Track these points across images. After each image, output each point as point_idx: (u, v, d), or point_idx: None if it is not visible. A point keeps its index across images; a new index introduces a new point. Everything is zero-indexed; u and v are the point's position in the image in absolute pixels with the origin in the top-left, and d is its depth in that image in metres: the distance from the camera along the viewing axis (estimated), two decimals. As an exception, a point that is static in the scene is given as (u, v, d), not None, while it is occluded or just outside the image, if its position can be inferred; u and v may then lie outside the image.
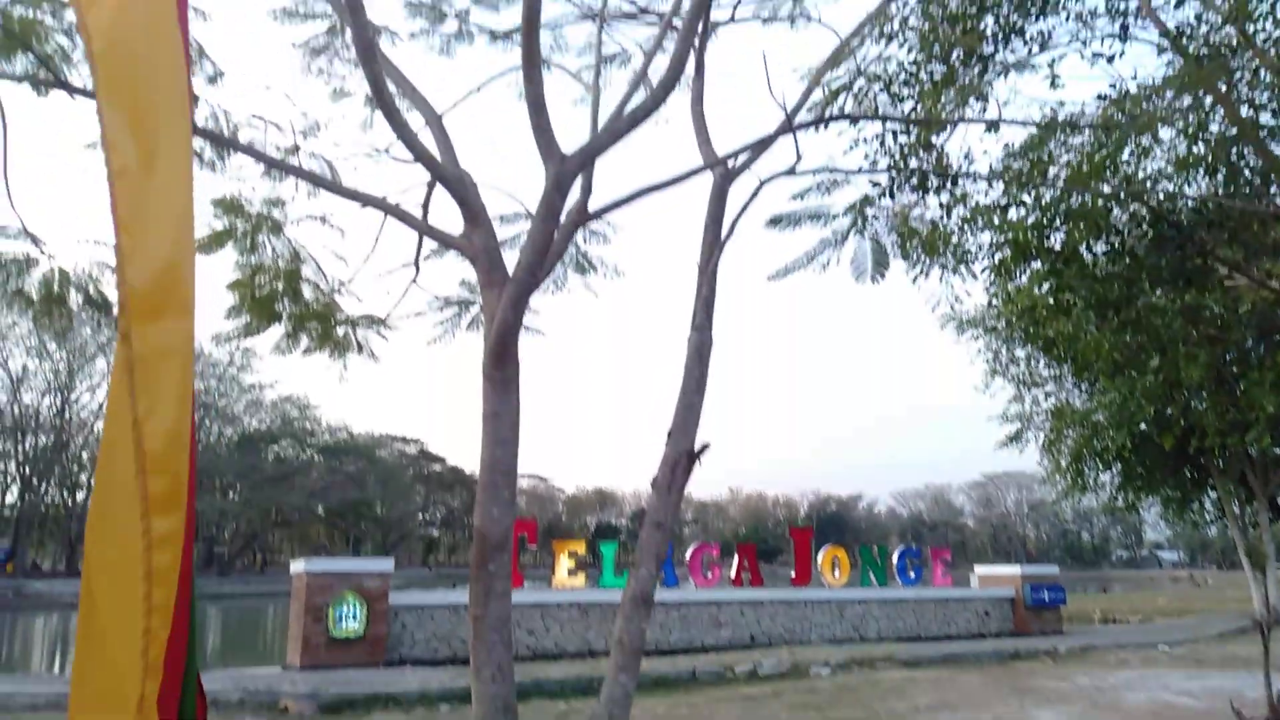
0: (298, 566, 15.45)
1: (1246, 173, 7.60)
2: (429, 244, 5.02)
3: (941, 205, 7.70)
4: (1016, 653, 17.23)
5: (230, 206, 5.57)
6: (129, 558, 1.71)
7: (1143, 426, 22.79)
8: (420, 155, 3.65)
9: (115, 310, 1.78)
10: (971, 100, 6.94)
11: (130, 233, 1.79)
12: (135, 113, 1.84)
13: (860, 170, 4.49)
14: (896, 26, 7.78)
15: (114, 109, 1.82)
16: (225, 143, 4.60)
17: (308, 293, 5.70)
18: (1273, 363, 14.68)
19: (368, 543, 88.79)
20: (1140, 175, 7.97)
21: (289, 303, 5.60)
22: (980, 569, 24.48)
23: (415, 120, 5.11)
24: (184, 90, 1.92)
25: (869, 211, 4.59)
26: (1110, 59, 7.93)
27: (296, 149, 5.54)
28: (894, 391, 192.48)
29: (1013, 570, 23.42)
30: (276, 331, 5.69)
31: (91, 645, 1.75)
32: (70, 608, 45.19)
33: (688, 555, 20.61)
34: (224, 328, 5.86)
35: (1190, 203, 7.43)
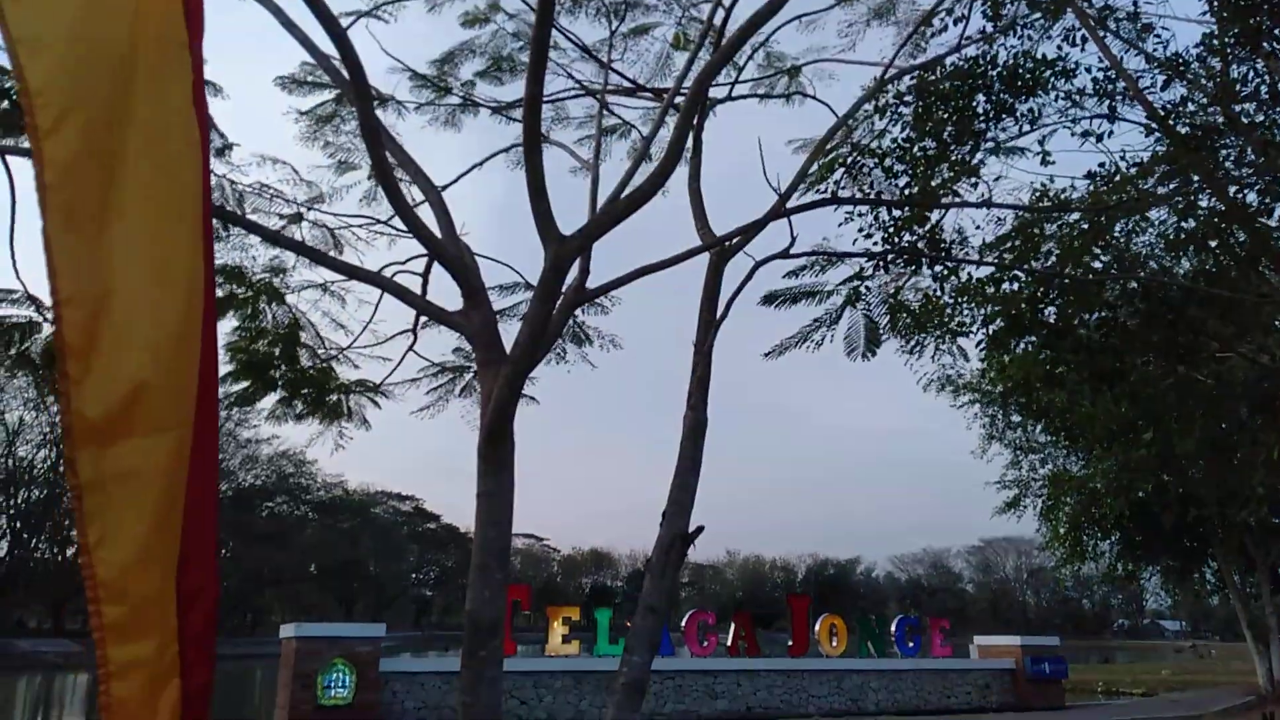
0: (287, 631, 15.21)
1: (1237, 249, 7.71)
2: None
3: (935, 278, 7.79)
4: (1018, 728, 16.88)
5: (232, 274, 5.63)
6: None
7: (1141, 495, 22.67)
8: (420, 234, 3.71)
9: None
10: (964, 178, 7.09)
11: (81, 360, 1.70)
12: (109, 236, 1.76)
13: (853, 254, 4.57)
14: (891, 99, 7.97)
15: (67, 236, 1.73)
16: (227, 216, 4.68)
17: (304, 359, 5.73)
18: (1266, 440, 14.67)
19: (360, 603, 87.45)
20: (1131, 250, 8.09)
21: (285, 368, 5.63)
22: (980, 639, 24.14)
23: (417, 194, 5.21)
24: (194, 195, 1.90)
25: (862, 288, 4.64)
26: (1099, 138, 8.11)
27: (300, 218, 5.63)
28: (893, 454, 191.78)
29: (1013, 640, 23.10)
30: (272, 399, 5.71)
31: None
32: (55, 668, 44.28)
33: (684, 623, 20.31)
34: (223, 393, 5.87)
35: (1180, 280, 7.53)
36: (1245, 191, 7.29)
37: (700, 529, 3.34)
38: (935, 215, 7.82)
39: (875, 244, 7.42)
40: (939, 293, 8.44)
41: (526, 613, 23.28)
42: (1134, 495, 22.76)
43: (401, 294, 3.87)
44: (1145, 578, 30.79)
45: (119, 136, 1.83)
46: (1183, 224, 8.13)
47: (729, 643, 19.90)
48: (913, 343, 5.92)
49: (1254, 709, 21.07)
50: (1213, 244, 7.73)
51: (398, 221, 4.76)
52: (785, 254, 3.83)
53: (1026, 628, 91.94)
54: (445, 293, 4.31)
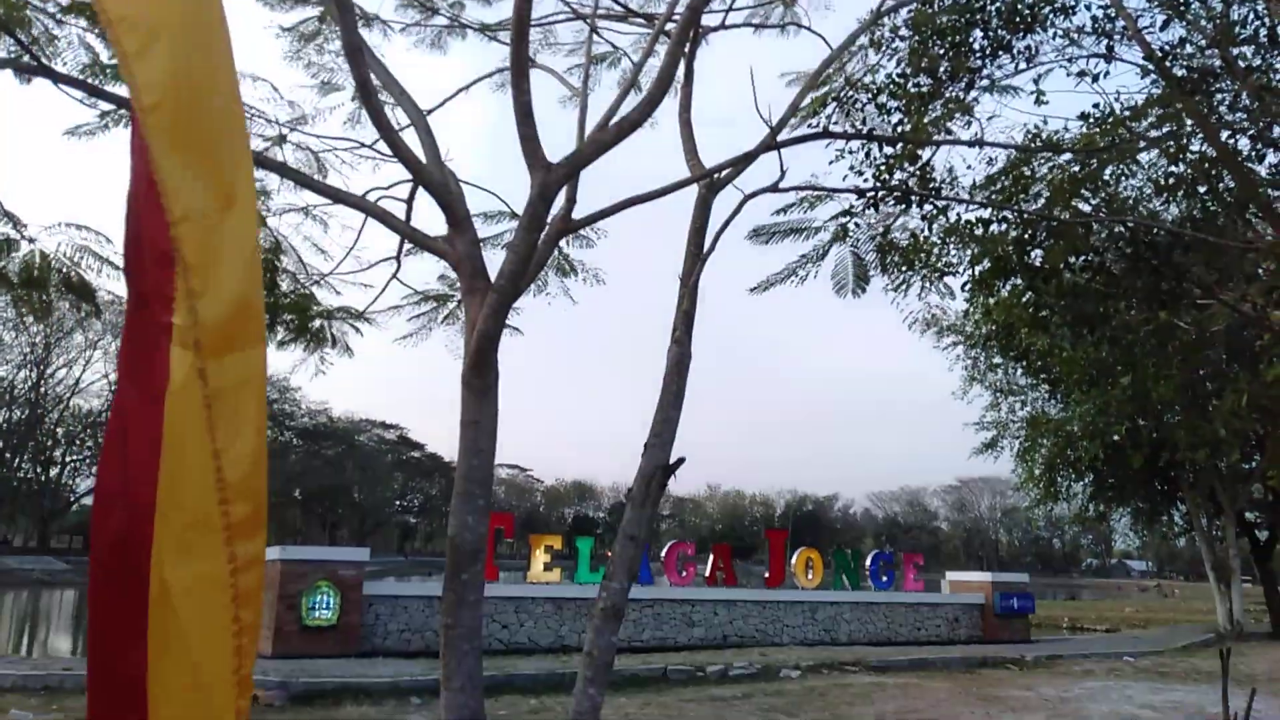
0: (272, 553, 15.39)
1: (1226, 196, 7.71)
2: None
3: (924, 218, 7.77)
4: (984, 660, 17.40)
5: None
6: (215, 583, 1.78)
7: (1115, 439, 23.07)
8: (405, 159, 3.65)
9: (186, 339, 1.78)
10: (957, 116, 7.01)
11: (201, 274, 1.81)
12: (202, 157, 1.85)
13: (843, 190, 4.52)
14: (887, 34, 7.83)
15: (173, 157, 1.82)
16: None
17: (285, 284, 5.66)
18: (1241, 385, 14.90)
19: (344, 529, 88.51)
20: (1120, 195, 8.07)
21: (266, 294, 5.57)
22: (952, 575, 24.74)
23: (402, 117, 5.10)
24: (244, 126, 1.96)
25: (850, 225, 4.62)
26: (1095, 78, 8.02)
27: (283, 139, 5.51)
28: (873, 392, 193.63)
29: (984, 577, 23.68)
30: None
31: (179, 669, 1.80)
32: (41, 584, 44.76)
33: (663, 553, 20.69)
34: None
35: (1167, 225, 7.54)
36: (1237, 137, 7.26)
37: (681, 460, 3.38)
38: (926, 154, 7.76)
39: (865, 181, 7.37)
40: (927, 232, 8.43)
41: (509, 540, 23.60)
42: (1109, 439, 23.15)
43: (385, 219, 3.82)
44: (1115, 519, 31.52)
45: (201, 59, 1.89)
46: (1173, 169, 8.11)
47: (707, 573, 20.30)
48: (899, 281, 5.91)
49: (1212, 646, 21.81)
50: (1201, 190, 7.72)
51: (382, 146, 4.68)
52: (774, 188, 3.80)
53: (998, 565, 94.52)
54: (429, 221, 4.26)
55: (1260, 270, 7.21)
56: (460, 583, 3.04)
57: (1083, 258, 8.09)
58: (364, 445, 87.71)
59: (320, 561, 15.10)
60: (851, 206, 4.95)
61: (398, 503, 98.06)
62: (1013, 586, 23.53)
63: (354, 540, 78.35)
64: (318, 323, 5.71)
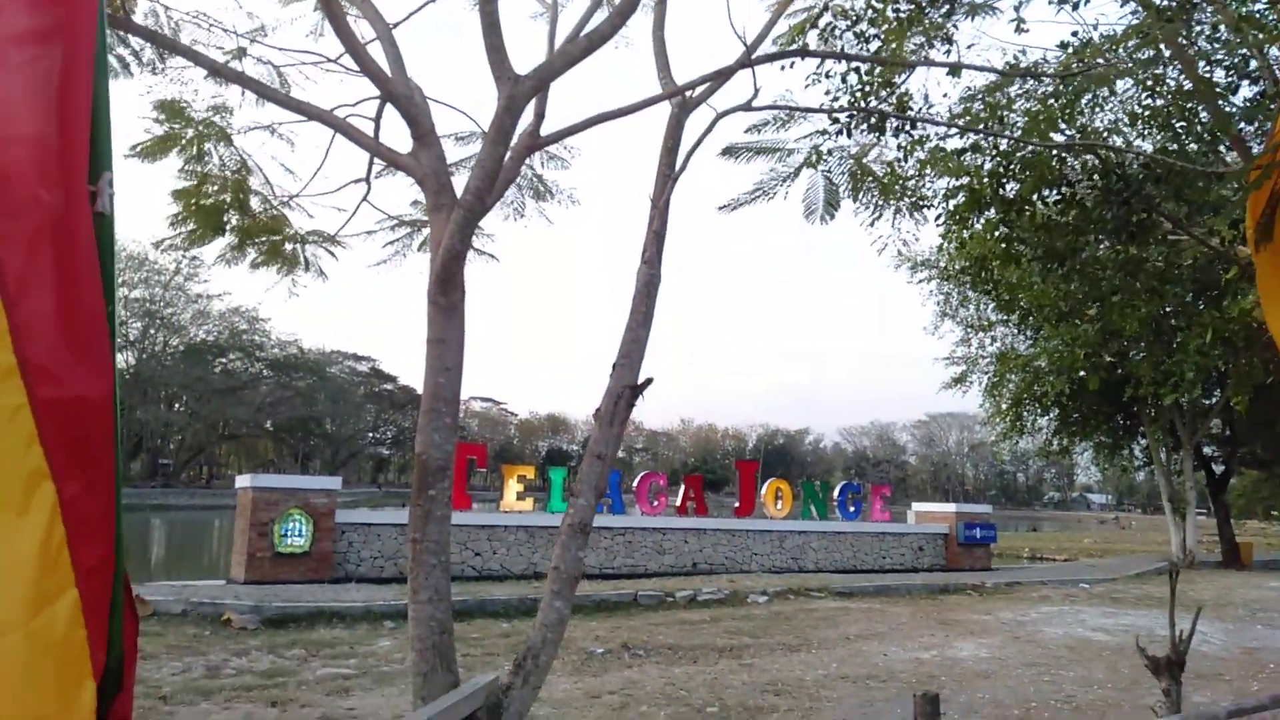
0: (243, 481, 15.39)
1: (1198, 128, 7.72)
2: (381, 161, 4.90)
3: (900, 147, 7.72)
4: (946, 587, 17.91)
5: (173, 111, 5.36)
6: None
7: (1082, 374, 23.48)
8: (369, 70, 3.53)
9: None
10: (936, 42, 6.90)
11: None
12: None
13: (819, 109, 4.44)
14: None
15: None
16: (165, 43, 4.40)
17: (255, 205, 5.54)
18: (1206, 321, 15.16)
19: (316, 460, 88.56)
20: (1095, 126, 8.05)
21: (236, 214, 5.45)
22: (917, 506, 25.27)
23: (367, 30, 4.93)
24: None
25: (824, 149, 4.56)
26: (1075, 4, 7.91)
27: (242, 53, 5.32)
28: (846, 329, 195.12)
29: (948, 508, 24.22)
30: (222, 242, 5.55)
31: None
32: None
33: (635, 483, 20.92)
34: (169, 235, 5.70)
35: (1140, 157, 7.54)
36: (1213, 69, 7.23)
37: (649, 381, 3.38)
38: (903, 83, 7.66)
39: (840, 110, 7.28)
40: (903, 163, 8.38)
41: (482, 470, 23.70)
42: (1075, 374, 23.56)
43: (351, 133, 3.72)
44: (1078, 453, 32.28)
45: None
46: (1148, 102, 8.08)
47: (678, 503, 20.59)
48: (874, 215, 5.89)
49: (1164, 574, 22.58)
50: (1176, 124, 7.71)
51: (347, 61, 4.53)
52: (748, 106, 3.73)
53: (964, 498, 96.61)
54: (397, 143, 4.13)
55: (1230, 195, 7.24)
56: (428, 498, 3.05)
57: (1056, 190, 8.10)
58: (336, 377, 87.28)
59: (292, 489, 15.12)
60: (825, 131, 4.88)
61: (370, 435, 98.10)
62: (975, 517, 24.11)
63: (327, 471, 78.54)
64: (290, 246, 5.59)
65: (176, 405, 73.22)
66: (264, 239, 5.49)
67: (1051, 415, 27.65)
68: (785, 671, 9.48)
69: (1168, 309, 13.79)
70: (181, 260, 65.32)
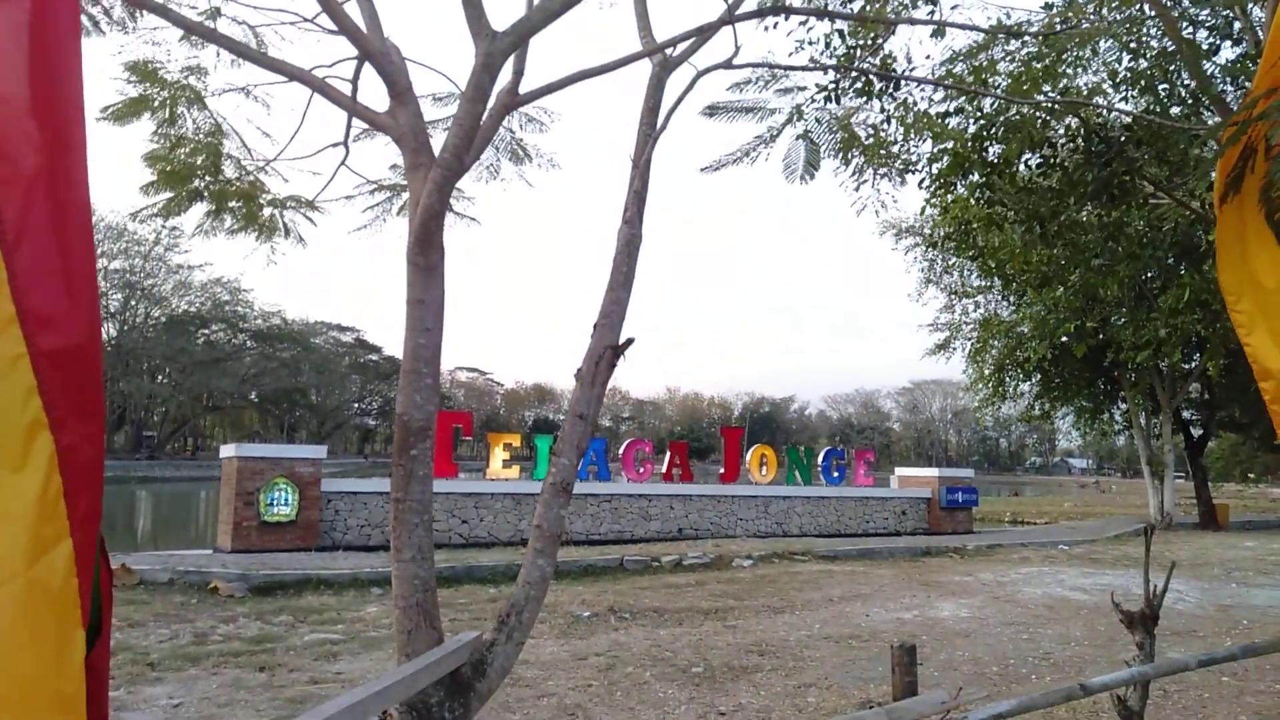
0: (228, 451, 15.37)
1: (1180, 91, 7.72)
2: (359, 124, 4.85)
3: (883, 111, 7.69)
4: (928, 550, 18.14)
5: (145, 73, 5.26)
6: None
7: (1064, 339, 23.67)
8: (344, 27, 3.48)
9: None
10: (920, 2, 6.85)
11: None
12: None
13: (799, 68, 4.41)
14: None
15: None
16: (136, 0, 4.31)
17: (230, 170, 5.47)
18: (1185, 282, 15.26)
19: (302, 431, 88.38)
20: (1077, 86, 8.05)
21: (210, 180, 5.38)
22: (900, 471, 25.53)
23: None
24: None
25: (807, 110, 4.54)
26: (1059, -34, 7.86)
27: (217, 12, 5.23)
28: (833, 298, 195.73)
29: (930, 473, 24.47)
30: (199, 211, 5.48)
31: None
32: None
33: (621, 451, 21.02)
34: (143, 204, 5.63)
35: (1123, 118, 7.55)
36: (1195, 29, 7.21)
37: (630, 341, 3.38)
38: (887, 47, 7.62)
39: (826, 72, 7.24)
40: (888, 127, 8.36)
41: (468, 439, 23.72)
42: (1057, 339, 23.74)
43: (328, 92, 3.67)
44: (1059, 417, 32.59)
45: None
46: (1131, 64, 8.07)
47: (664, 470, 20.72)
48: (859, 179, 5.87)
49: (1141, 535, 22.95)
50: (1158, 85, 7.71)
51: (323, 20, 4.46)
52: (729, 64, 3.70)
53: (947, 464, 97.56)
54: (374, 105, 4.06)
55: (1208, 159, 7.25)
56: (409, 458, 3.05)
57: (1038, 153, 8.11)
58: (320, 348, 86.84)
59: (277, 459, 15.11)
60: (811, 95, 4.86)
61: (356, 405, 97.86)
62: (958, 481, 24.39)
63: (313, 442, 78.35)
64: (268, 211, 5.53)
65: (159, 377, 72.71)
66: (240, 204, 5.42)
67: (1033, 380, 27.89)
68: (769, 632, 9.61)
69: (1149, 273, 13.88)
70: (161, 231, 64.59)
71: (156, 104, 5.29)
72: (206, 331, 74.08)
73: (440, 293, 3.28)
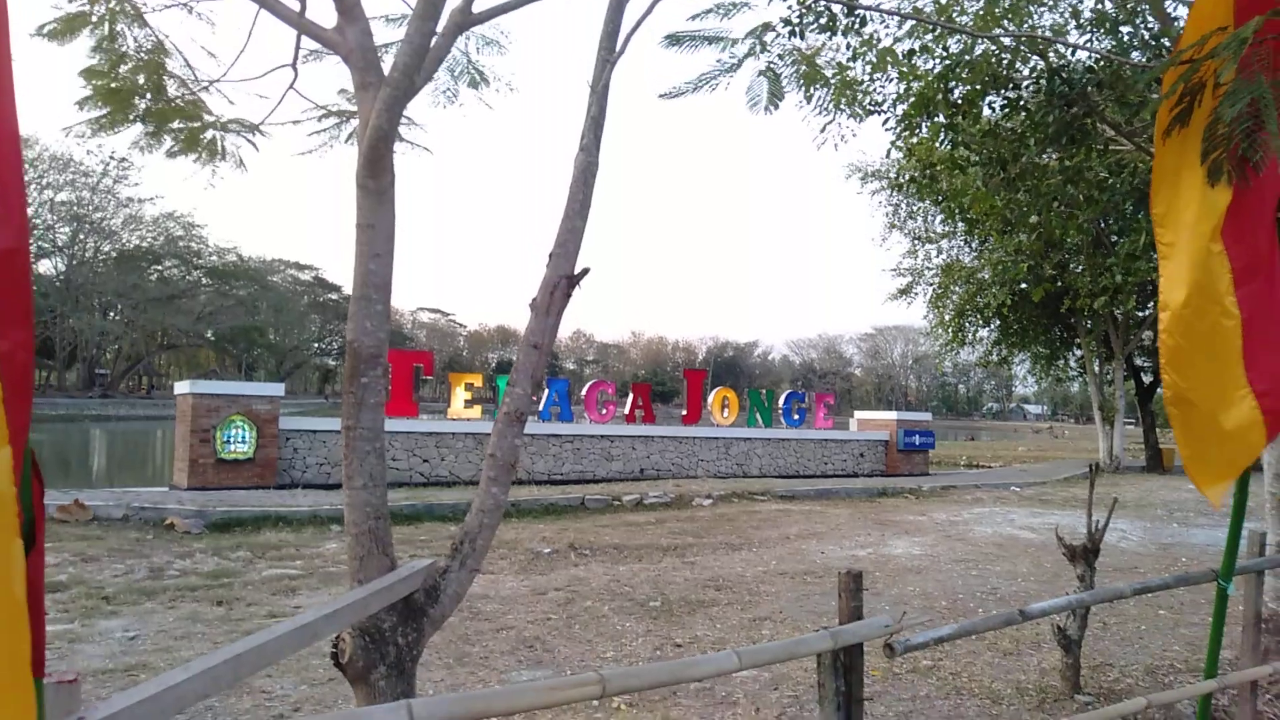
0: (183, 388, 15.13)
1: (1144, 34, 7.71)
2: (308, 45, 4.66)
3: (849, 48, 7.60)
4: (884, 490, 18.52)
5: (82, -13, 5.01)
6: None
7: (1023, 286, 23.99)
8: (288, -64, 3.33)
9: None
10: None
11: None
12: None
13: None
14: None
15: None
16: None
17: (172, 89, 5.24)
18: (1141, 226, 15.46)
19: (261, 370, 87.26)
20: (1041, 26, 8.02)
21: (151, 99, 5.16)
22: (859, 414, 25.89)
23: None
24: None
25: (768, 39, 4.45)
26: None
27: (157, -73, 4.98)
28: (797, 242, 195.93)
29: (889, 416, 24.86)
30: (136, 129, 5.27)
31: None
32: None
33: (584, 392, 21.05)
34: (77, 119, 5.39)
35: (1085, 55, 7.54)
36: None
37: (586, 271, 3.34)
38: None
39: (791, 6, 7.12)
40: (853, 64, 8.27)
41: (428, 379, 23.58)
42: (1017, 285, 24.05)
43: (273, 7, 3.52)
44: (1017, 363, 33.17)
45: None
46: (1096, 4, 8.04)
47: (626, 411, 20.81)
48: (815, 103, 5.79)
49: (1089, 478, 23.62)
50: (1121, 27, 7.70)
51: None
52: (689, -13, 3.61)
53: (906, 408, 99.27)
54: (326, 23, 3.87)
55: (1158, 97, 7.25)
56: (360, 385, 3.01)
57: (1002, 95, 8.09)
58: (278, 286, 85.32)
59: (233, 396, 14.91)
60: (769, 24, 4.76)
61: (316, 345, 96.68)
62: (915, 424, 24.81)
63: (271, 381, 77.49)
64: (210, 134, 5.32)
65: (111, 314, 71.06)
66: (181, 126, 5.21)
67: (993, 326, 28.31)
68: (726, 568, 9.78)
69: (1108, 220, 14.03)
70: (109, 163, 62.55)
71: (95, 20, 5.05)
72: (159, 268, 72.27)
73: (391, 217, 3.20)
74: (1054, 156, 9.07)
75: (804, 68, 5.79)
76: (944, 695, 5.49)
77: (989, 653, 6.52)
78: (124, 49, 5.11)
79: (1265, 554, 5.14)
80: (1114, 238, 19.88)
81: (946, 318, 28.06)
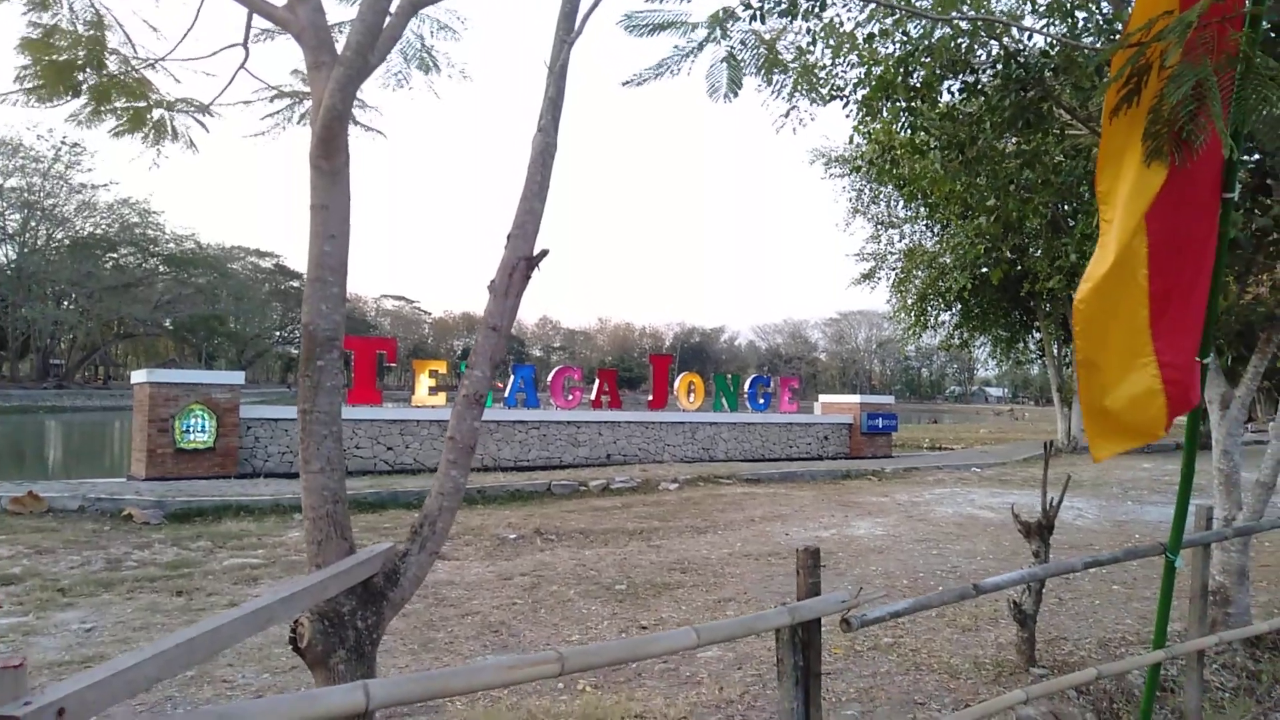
0: (140, 376, 14.85)
1: (1099, 19, 7.81)
2: (260, 24, 4.59)
3: (809, 32, 7.62)
4: (848, 473, 18.72)
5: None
6: None
7: (983, 270, 24.28)
8: (237, -88, 3.26)
9: None
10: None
11: None
12: None
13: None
14: None
15: None
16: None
17: (114, 65, 5.12)
18: (1095, 208, 15.62)
19: (221, 360, 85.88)
20: (999, 11, 8.10)
21: (92, 74, 5.03)
22: (824, 398, 26.11)
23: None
24: None
25: (730, 29, 4.45)
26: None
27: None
28: (763, 229, 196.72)
29: (853, 399, 25.09)
30: (76, 104, 5.13)
31: None
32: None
33: (550, 378, 21.00)
34: (11, 89, 5.26)
35: (1040, 45, 7.63)
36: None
37: (544, 252, 3.33)
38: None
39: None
40: (813, 48, 8.29)
41: (392, 366, 23.37)
42: (978, 269, 24.34)
43: (220, -16, 3.45)
44: (978, 346, 33.63)
45: None
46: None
47: (593, 397, 20.80)
48: (775, 86, 5.81)
49: (1049, 458, 24.08)
50: (1076, 11, 7.79)
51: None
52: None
53: (870, 392, 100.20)
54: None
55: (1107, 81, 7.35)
56: (316, 369, 2.98)
57: (960, 79, 8.15)
58: (238, 274, 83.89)
59: (192, 384, 14.66)
60: (730, 9, 4.75)
61: (278, 334, 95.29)
62: (879, 407, 25.09)
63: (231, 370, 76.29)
64: (157, 113, 5.21)
65: (65, 303, 69.42)
66: (126, 104, 5.09)
67: (954, 310, 28.64)
68: (692, 551, 9.84)
69: (1066, 205, 14.19)
70: (61, 147, 61.02)
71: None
72: (115, 255, 70.65)
73: (345, 198, 3.16)
74: (1012, 141, 9.17)
75: (765, 52, 5.80)
76: (904, 671, 5.59)
77: (948, 629, 6.64)
78: (59, 20, 4.98)
79: (1212, 528, 5.28)
80: (1070, 221, 20.19)
81: (909, 302, 28.34)
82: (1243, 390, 6.63)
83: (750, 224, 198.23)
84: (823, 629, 3.08)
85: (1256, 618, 6.61)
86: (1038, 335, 30.53)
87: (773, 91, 5.94)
